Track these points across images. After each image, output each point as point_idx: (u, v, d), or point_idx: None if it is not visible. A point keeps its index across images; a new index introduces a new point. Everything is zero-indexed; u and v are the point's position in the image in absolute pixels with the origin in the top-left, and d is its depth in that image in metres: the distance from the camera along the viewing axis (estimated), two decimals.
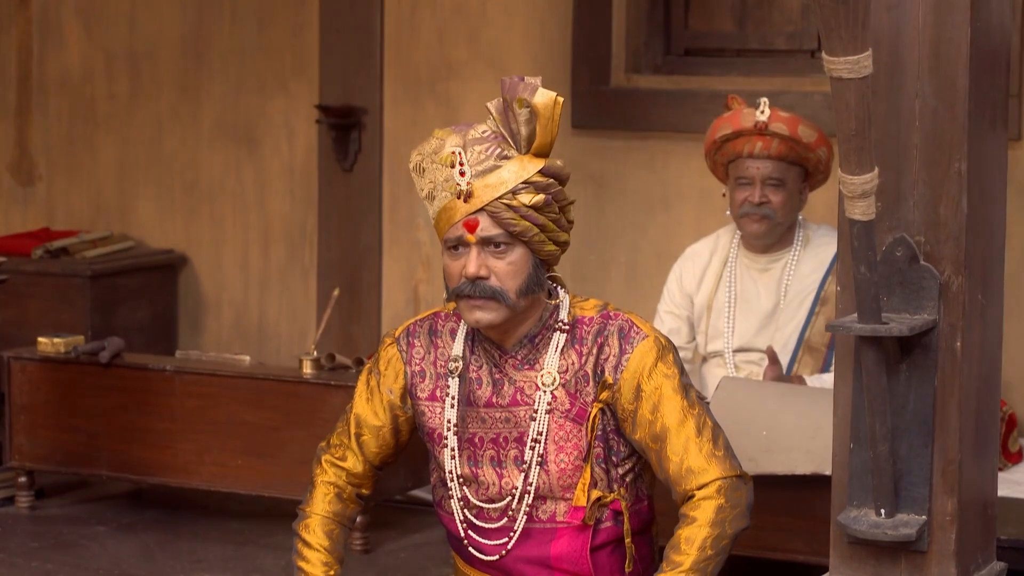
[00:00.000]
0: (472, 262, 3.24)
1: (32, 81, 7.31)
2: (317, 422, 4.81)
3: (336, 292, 5.10)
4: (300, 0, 6.62)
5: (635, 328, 3.31)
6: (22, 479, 5.36)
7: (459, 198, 3.23)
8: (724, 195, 4.80)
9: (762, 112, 4.65)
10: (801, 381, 4.63)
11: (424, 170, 3.28)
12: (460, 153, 3.23)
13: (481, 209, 3.22)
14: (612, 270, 6.18)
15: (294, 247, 6.68)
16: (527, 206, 3.22)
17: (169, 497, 5.37)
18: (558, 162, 3.27)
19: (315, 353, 4.99)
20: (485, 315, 3.26)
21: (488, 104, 3.25)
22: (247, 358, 5.23)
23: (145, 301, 6.64)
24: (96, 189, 7.00)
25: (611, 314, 3.34)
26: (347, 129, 6.42)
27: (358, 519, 4.84)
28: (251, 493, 5.05)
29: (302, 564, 3.44)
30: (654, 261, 6.02)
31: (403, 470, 4.93)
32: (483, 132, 3.25)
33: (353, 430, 3.48)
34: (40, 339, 5.33)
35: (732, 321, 4.81)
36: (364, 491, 3.52)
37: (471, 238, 3.24)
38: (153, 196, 6.88)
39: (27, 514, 5.32)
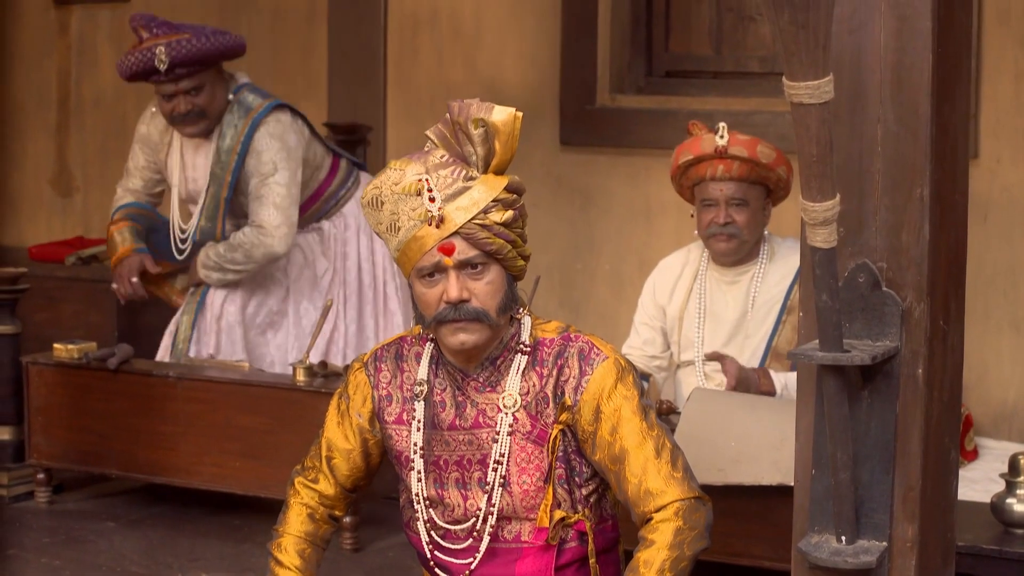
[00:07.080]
0: (453, 286, 2.83)
1: (71, 102, 7.14)
2: (309, 426, 4.38)
3: (329, 302, 4.69)
4: (309, 26, 6.36)
5: (595, 350, 2.91)
6: (40, 476, 4.98)
7: (431, 224, 2.82)
8: (692, 216, 4.43)
9: (721, 137, 4.29)
10: (766, 374, 4.24)
11: (383, 203, 2.86)
12: (427, 180, 2.82)
13: (455, 232, 2.82)
14: (598, 277, 5.86)
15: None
16: (499, 224, 2.83)
17: (178, 493, 4.96)
18: (515, 177, 2.88)
19: (308, 361, 4.60)
20: (470, 336, 2.86)
21: (428, 133, 2.86)
22: (247, 364, 4.85)
23: (167, 305, 6.23)
24: None
25: (572, 336, 2.94)
26: (353, 145, 6.07)
27: (348, 518, 4.48)
28: (247, 493, 4.66)
29: None
30: (636, 269, 5.70)
31: (393, 468, 4.53)
32: (442, 157, 2.85)
33: (324, 453, 3.09)
34: (56, 345, 4.96)
35: (702, 332, 4.43)
36: (337, 512, 3.14)
37: (449, 262, 2.83)
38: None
39: (45, 509, 4.93)
